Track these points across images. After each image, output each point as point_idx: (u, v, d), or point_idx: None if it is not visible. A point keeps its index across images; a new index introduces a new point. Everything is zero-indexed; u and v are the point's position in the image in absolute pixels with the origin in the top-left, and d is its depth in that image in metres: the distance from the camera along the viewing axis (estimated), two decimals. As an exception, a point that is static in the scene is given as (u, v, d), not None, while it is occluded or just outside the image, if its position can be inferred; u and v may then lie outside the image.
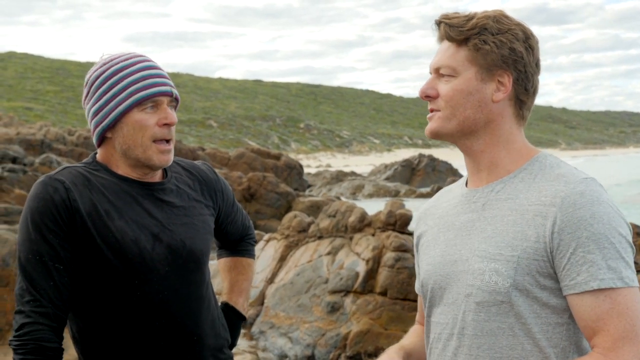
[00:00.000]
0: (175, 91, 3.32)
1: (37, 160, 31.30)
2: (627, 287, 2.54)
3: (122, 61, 3.31)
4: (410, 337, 3.16)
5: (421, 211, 3.13)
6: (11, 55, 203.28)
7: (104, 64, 3.33)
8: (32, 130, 44.67)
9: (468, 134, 2.80)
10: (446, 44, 2.80)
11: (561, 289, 2.61)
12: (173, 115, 3.29)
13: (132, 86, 3.24)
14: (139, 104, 3.23)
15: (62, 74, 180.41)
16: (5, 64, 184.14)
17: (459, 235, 2.82)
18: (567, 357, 2.65)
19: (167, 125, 3.27)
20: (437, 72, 2.81)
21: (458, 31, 2.75)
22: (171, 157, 3.33)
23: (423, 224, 3.06)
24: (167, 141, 3.30)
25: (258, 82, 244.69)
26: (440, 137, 2.83)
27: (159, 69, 3.35)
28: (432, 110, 2.82)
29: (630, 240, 2.63)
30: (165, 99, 3.28)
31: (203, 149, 46.37)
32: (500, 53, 2.74)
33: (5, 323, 14.44)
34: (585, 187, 2.61)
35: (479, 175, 2.85)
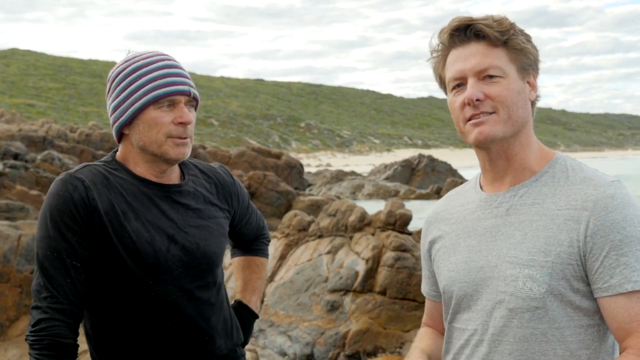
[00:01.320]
0: (193, 91, 3.32)
1: (39, 156, 31.31)
2: None
3: (143, 59, 3.32)
4: (426, 341, 3.13)
5: (431, 215, 3.09)
6: (14, 52, 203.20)
7: (126, 61, 3.35)
8: (34, 127, 44.60)
9: (514, 136, 2.75)
10: (476, 47, 2.75)
11: (592, 291, 2.63)
12: (189, 115, 3.27)
13: (149, 84, 3.25)
14: (155, 101, 3.23)
15: (65, 71, 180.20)
16: (7, 61, 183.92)
17: (483, 241, 2.80)
18: (598, 358, 2.68)
19: (183, 124, 3.26)
20: (479, 75, 2.73)
21: (499, 32, 2.72)
22: (187, 151, 3.32)
23: (435, 229, 3.03)
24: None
25: (259, 81, 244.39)
26: (494, 141, 2.75)
27: (180, 68, 3.34)
28: (476, 115, 2.73)
29: None
30: (182, 98, 3.28)
31: (204, 147, 46.30)
32: (532, 52, 2.78)
33: (5, 319, 14.47)
34: (614, 190, 2.63)
35: (502, 180, 2.82)
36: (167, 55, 3.38)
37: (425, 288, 3.16)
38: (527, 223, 2.70)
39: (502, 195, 2.80)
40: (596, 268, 2.59)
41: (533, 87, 2.80)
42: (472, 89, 2.72)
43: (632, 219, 2.58)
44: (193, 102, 3.35)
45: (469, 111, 2.74)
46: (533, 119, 2.85)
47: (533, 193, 2.74)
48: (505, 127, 2.72)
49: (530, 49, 2.77)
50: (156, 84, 3.25)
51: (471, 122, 2.75)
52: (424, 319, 3.25)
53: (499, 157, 2.80)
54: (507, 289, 2.69)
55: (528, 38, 2.78)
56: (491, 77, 2.73)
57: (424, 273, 3.14)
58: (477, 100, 2.71)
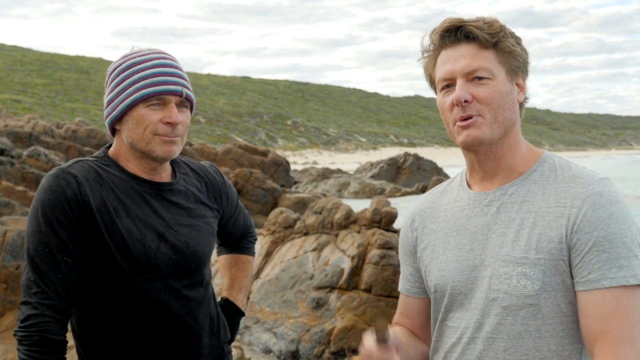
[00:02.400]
0: (187, 92, 3.30)
1: (25, 152, 31.18)
2: (635, 286, 2.57)
3: (139, 56, 3.31)
4: (404, 337, 3.04)
5: (415, 211, 3.08)
6: (0, 47, 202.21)
7: (125, 57, 3.35)
8: (21, 123, 44.39)
9: (502, 137, 2.77)
10: (466, 48, 2.76)
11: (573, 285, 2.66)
12: (177, 115, 3.25)
13: (140, 82, 3.24)
14: (144, 99, 3.23)
15: (51, 67, 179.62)
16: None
17: (475, 239, 2.81)
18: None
19: (170, 124, 3.25)
20: (467, 76, 2.75)
21: (489, 34, 2.74)
22: (175, 150, 3.30)
23: (420, 226, 3.03)
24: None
25: (246, 79, 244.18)
26: (482, 143, 2.76)
27: (175, 67, 3.33)
28: (465, 119, 2.74)
29: None
30: (173, 98, 3.26)
31: (191, 144, 46.21)
32: (522, 55, 2.79)
33: (-9, 314, 14.45)
34: (602, 187, 2.65)
35: (491, 179, 2.83)
36: (166, 54, 3.37)
37: (404, 285, 3.12)
38: (519, 221, 2.72)
39: (492, 194, 2.81)
40: (577, 263, 2.61)
41: (522, 89, 2.82)
42: (461, 90, 2.74)
43: (617, 217, 2.61)
44: (186, 102, 3.34)
45: (457, 112, 2.75)
46: (521, 120, 2.87)
47: (523, 191, 2.76)
48: (492, 129, 2.74)
49: (520, 51, 2.78)
50: (147, 82, 3.24)
51: (459, 123, 2.76)
52: (397, 317, 3.20)
53: (487, 158, 2.81)
54: (501, 287, 2.70)
55: (518, 40, 2.80)
56: (480, 78, 2.74)
57: (405, 269, 3.11)
58: (465, 101, 2.72)
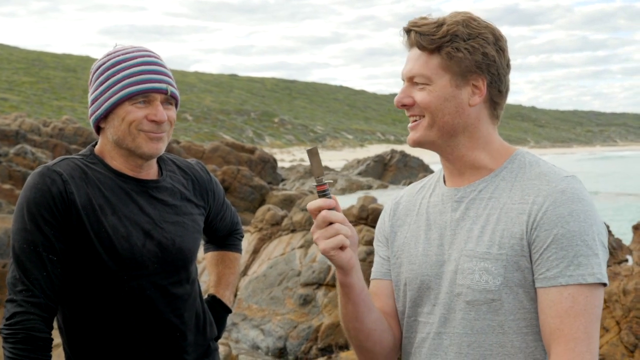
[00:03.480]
0: (171, 89, 3.32)
1: (12, 150, 31.09)
2: (593, 284, 2.58)
3: (124, 54, 3.32)
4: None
5: (397, 201, 3.10)
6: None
7: (109, 54, 3.35)
8: (7, 121, 44.20)
9: (448, 140, 2.78)
10: (417, 51, 2.78)
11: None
12: (162, 113, 3.27)
13: (125, 80, 3.24)
14: (129, 97, 3.23)
15: (38, 65, 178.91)
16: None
17: (444, 234, 2.83)
18: None
19: (155, 122, 3.26)
20: (410, 80, 2.79)
21: (429, 40, 2.73)
22: (161, 147, 3.31)
23: (396, 218, 3.05)
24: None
25: (233, 77, 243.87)
26: (423, 145, 2.81)
27: (160, 65, 3.34)
28: (412, 117, 2.80)
29: (605, 239, 2.66)
30: (158, 96, 3.28)
31: (178, 142, 46.12)
32: (474, 59, 2.73)
33: (-23, 312, 14.44)
34: (566, 184, 2.65)
35: (460, 176, 2.85)
36: (150, 51, 3.38)
37: (380, 269, 3.07)
38: (485, 217, 2.74)
39: (463, 190, 2.83)
40: (536, 259, 2.62)
41: (480, 90, 2.78)
42: (402, 93, 2.81)
43: (578, 214, 2.60)
44: (171, 99, 3.36)
45: (407, 113, 2.83)
46: (496, 119, 2.86)
47: (491, 188, 2.78)
48: (431, 132, 2.78)
49: (467, 55, 2.74)
50: (132, 80, 3.25)
51: (409, 125, 2.84)
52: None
53: (447, 159, 2.86)
54: (464, 282, 2.72)
55: (475, 44, 2.75)
56: (417, 83, 2.78)
57: (376, 258, 3.09)
58: (403, 105, 2.80)
